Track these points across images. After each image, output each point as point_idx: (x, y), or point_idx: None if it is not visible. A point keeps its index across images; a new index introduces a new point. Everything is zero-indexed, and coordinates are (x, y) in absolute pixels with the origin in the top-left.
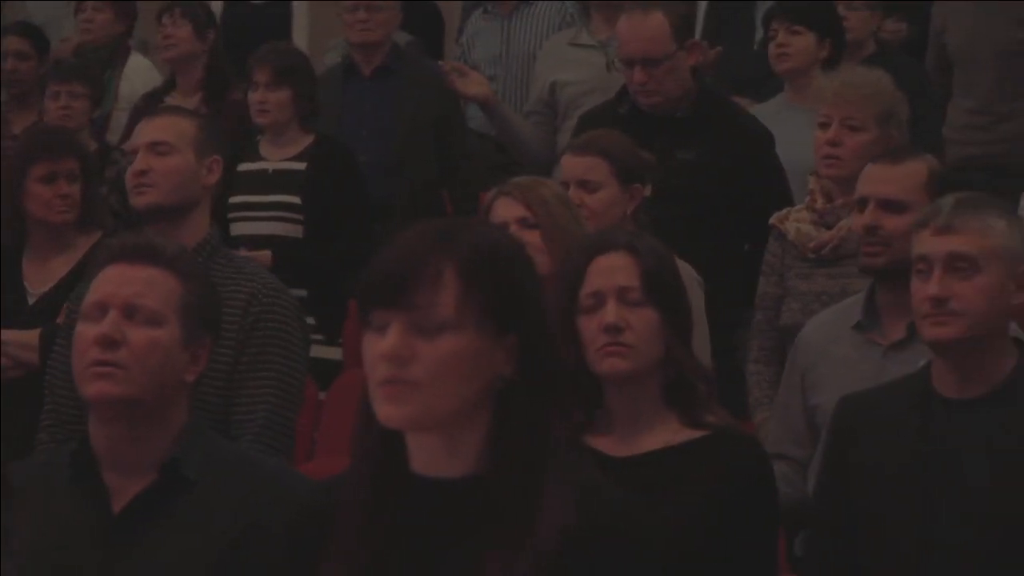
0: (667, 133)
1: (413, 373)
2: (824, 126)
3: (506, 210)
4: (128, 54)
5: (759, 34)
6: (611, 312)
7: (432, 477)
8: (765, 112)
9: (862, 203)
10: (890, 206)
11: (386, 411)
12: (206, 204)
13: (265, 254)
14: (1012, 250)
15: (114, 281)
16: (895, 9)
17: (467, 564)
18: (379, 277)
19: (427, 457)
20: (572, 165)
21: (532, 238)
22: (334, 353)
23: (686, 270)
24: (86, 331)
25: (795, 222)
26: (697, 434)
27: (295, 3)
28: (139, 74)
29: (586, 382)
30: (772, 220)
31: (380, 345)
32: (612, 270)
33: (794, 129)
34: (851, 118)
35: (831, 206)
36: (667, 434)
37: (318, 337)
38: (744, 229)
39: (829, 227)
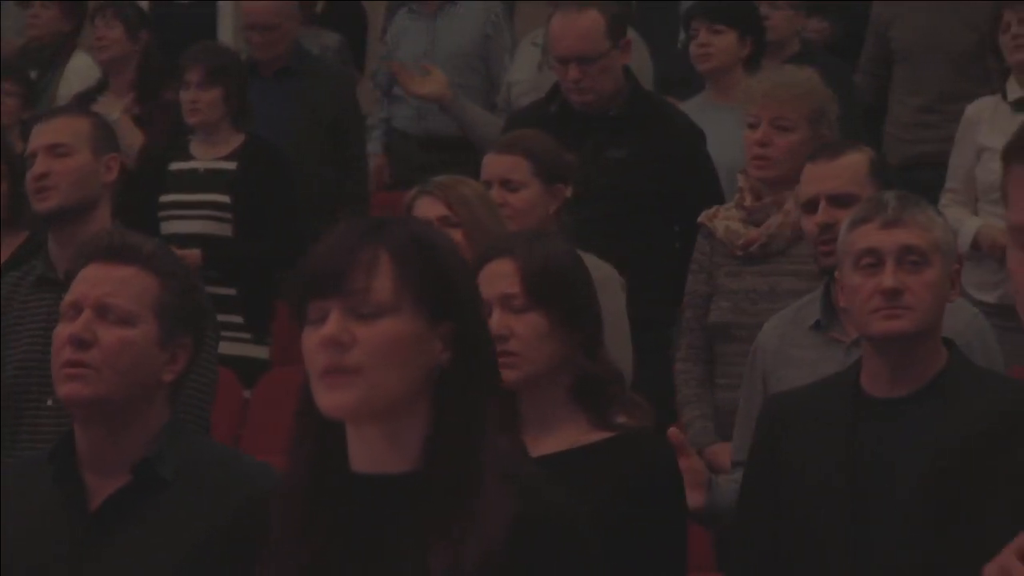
0: (598, 131)
1: (353, 358)
2: (753, 126)
3: (428, 209)
4: (72, 53)
5: (683, 34)
6: (495, 322)
7: (374, 474)
8: (688, 111)
9: (811, 204)
10: (840, 200)
11: (328, 400)
12: (107, 202)
13: (194, 253)
14: (950, 245)
15: (89, 281)
16: (818, 9)
17: (411, 560)
18: (314, 268)
19: (369, 453)
20: (495, 164)
21: (455, 236)
22: (261, 352)
23: (605, 270)
24: (61, 331)
25: (724, 220)
26: (604, 435)
27: (220, 3)
28: (79, 74)
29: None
30: (701, 218)
31: (319, 333)
32: (496, 277)
33: (718, 128)
34: (782, 118)
35: (760, 204)
36: (575, 435)
37: (245, 336)
38: (675, 227)
39: (758, 225)
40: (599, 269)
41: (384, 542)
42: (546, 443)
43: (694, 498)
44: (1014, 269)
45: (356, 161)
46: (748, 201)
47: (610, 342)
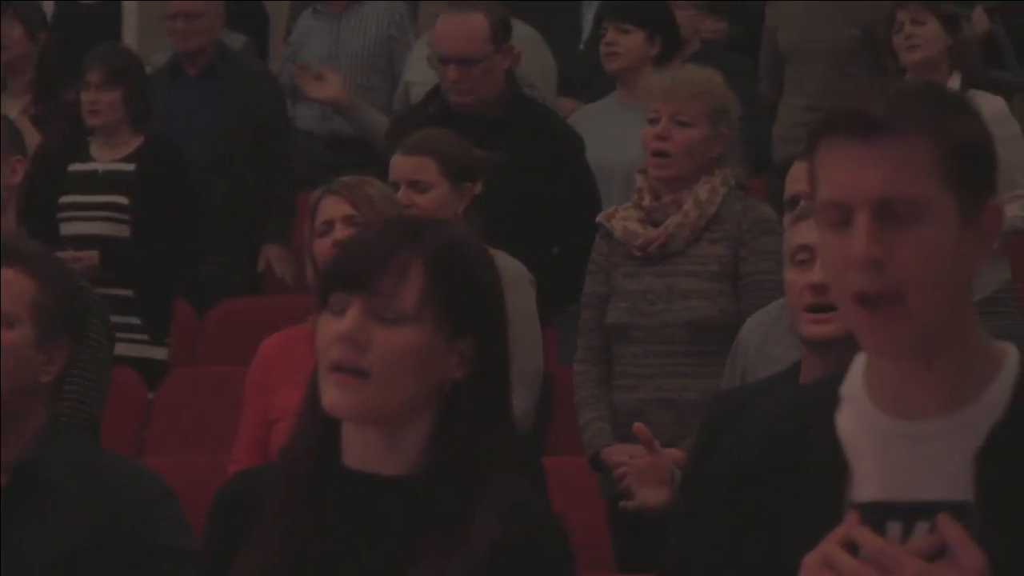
0: (477, 133)
1: (366, 361)
2: (653, 122)
3: (333, 208)
4: None
5: (585, 33)
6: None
7: (367, 473)
8: (596, 111)
9: (791, 204)
10: None
11: (332, 397)
12: (12, 204)
13: (92, 254)
14: None
15: None
16: (715, 9)
17: (394, 567)
18: (345, 260)
19: (364, 452)
20: (402, 165)
21: None
22: (160, 353)
23: (516, 268)
24: None
25: (622, 220)
26: None
27: (125, 3)
28: None
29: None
30: (599, 218)
31: (336, 326)
32: None
33: (626, 128)
34: (681, 114)
35: (658, 204)
36: None
37: (143, 337)
38: (552, 232)
39: (656, 225)
40: (510, 267)
41: (370, 543)
42: None
43: (655, 495)
44: (825, 251)
45: (283, 161)
46: (647, 201)
47: (521, 341)
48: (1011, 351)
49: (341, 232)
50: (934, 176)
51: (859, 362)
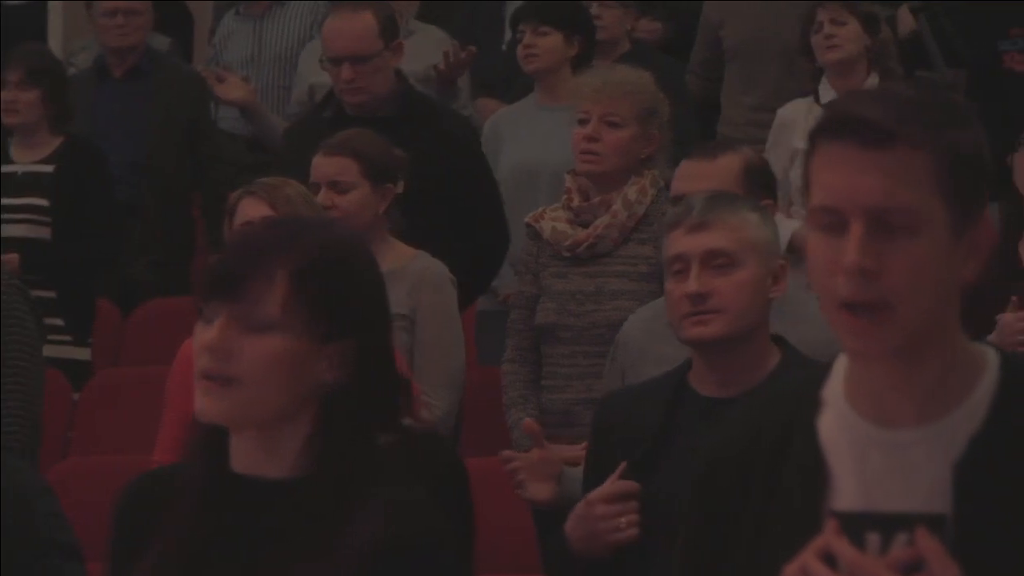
0: None
1: (232, 369)
2: (583, 123)
3: (252, 209)
4: None
5: (507, 34)
6: None
7: (249, 476)
8: (516, 113)
9: (678, 201)
10: None
11: (200, 404)
12: None
13: (12, 257)
14: (767, 243)
15: None
16: (650, 9)
17: (277, 569)
18: (215, 269)
19: (246, 456)
20: (323, 166)
21: None
22: (83, 354)
23: (436, 269)
24: None
25: (551, 221)
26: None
27: (51, 3)
28: None
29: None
30: (528, 219)
31: (204, 335)
32: None
33: (546, 129)
34: (612, 114)
35: (587, 204)
36: None
37: (66, 339)
38: (452, 228)
39: (585, 226)
40: (431, 268)
41: (254, 547)
42: None
43: (542, 490)
44: (812, 252)
45: (212, 162)
46: (575, 201)
47: (442, 341)
48: (992, 356)
49: None
50: (930, 188)
51: (840, 364)
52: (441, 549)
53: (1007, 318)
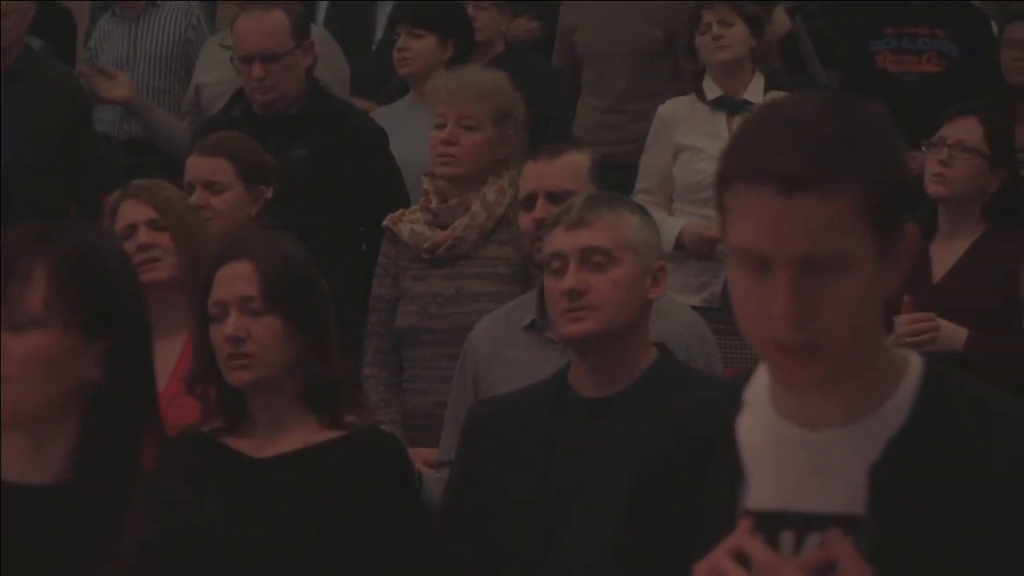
0: (280, 132)
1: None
2: (440, 126)
3: (134, 212)
4: None
5: (378, 35)
6: (231, 324)
7: (17, 484)
8: (392, 113)
9: (529, 201)
10: (558, 198)
11: None
12: None
13: None
14: (646, 243)
15: None
16: (526, 9)
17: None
18: None
19: (14, 461)
20: (198, 166)
21: (163, 240)
22: None
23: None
24: None
25: (409, 223)
26: (335, 434)
27: None
28: None
29: (225, 388)
30: (385, 222)
31: None
32: (234, 279)
33: (418, 130)
34: (467, 117)
35: (446, 206)
36: (306, 435)
37: None
38: (361, 229)
39: (444, 228)
40: None
41: (27, 554)
42: (279, 443)
43: None
44: (736, 288)
45: (89, 164)
46: (434, 203)
47: None
48: (915, 361)
49: (146, 237)
50: (858, 225)
51: (764, 368)
52: (216, 544)
53: (902, 319)
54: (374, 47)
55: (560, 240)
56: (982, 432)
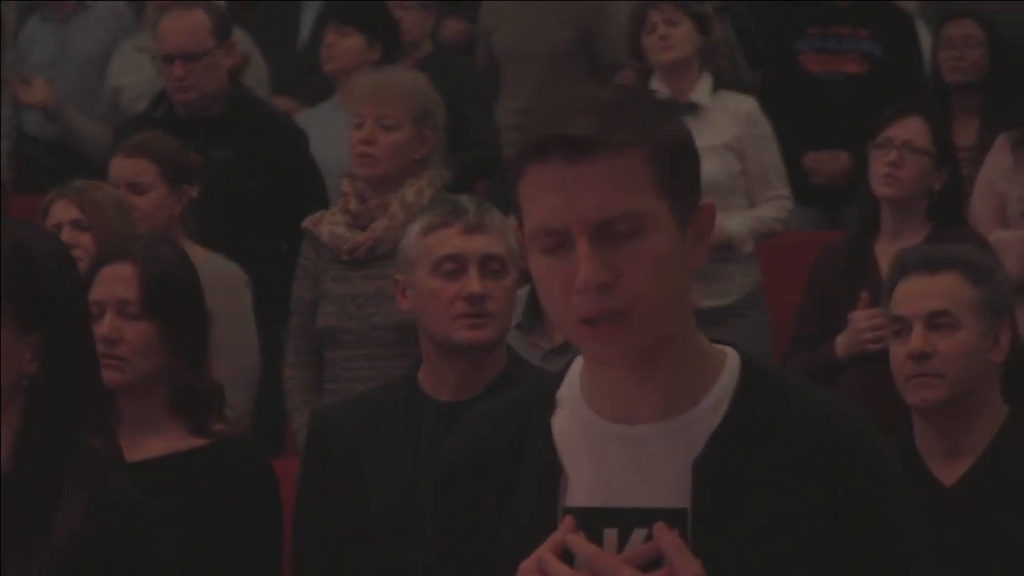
0: (202, 133)
1: None
2: (359, 126)
3: (62, 212)
4: None
5: (303, 34)
6: (106, 325)
7: None
8: (319, 113)
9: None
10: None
11: None
12: None
13: None
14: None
15: None
16: (454, 9)
17: None
18: None
19: None
20: (121, 167)
21: (84, 240)
22: None
23: (232, 270)
24: None
25: (329, 225)
26: (201, 442)
27: None
28: None
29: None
30: (305, 223)
31: None
32: (114, 281)
33: (341, 132)
34: (385, 117)
35: (365, 207)
36: (172, 441)
37: None
38: (282, 230)
39: (363, 229)
40: (225, 270)
41: None
42: (143, 447)
43: None
44: (540, 276)
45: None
46: (353, 205)
47: (236, 342)
48: (732, 356)
49: (68, 236)
50: (647, 187)
51: (576, 365)
52: (142, 536)
53: (857, 315)
54: (298, 47)
55: (457, 242)
56: (798, 422)
